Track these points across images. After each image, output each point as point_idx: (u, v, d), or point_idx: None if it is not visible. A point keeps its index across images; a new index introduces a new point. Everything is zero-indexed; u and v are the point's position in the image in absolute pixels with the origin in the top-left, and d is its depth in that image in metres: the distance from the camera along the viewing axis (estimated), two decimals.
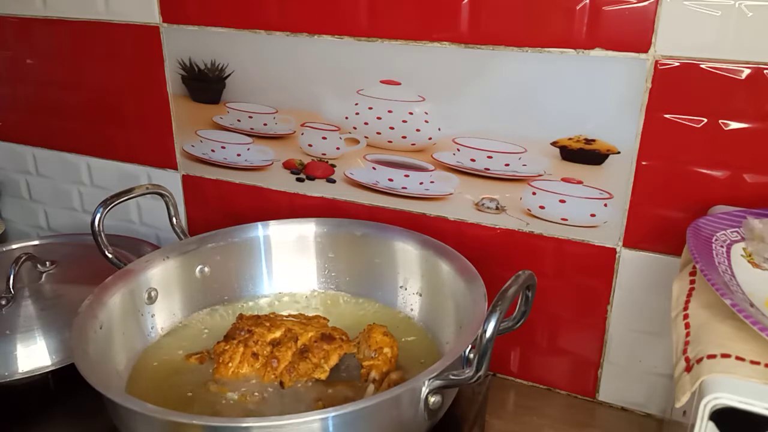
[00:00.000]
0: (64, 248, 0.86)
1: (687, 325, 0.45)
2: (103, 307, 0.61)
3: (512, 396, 0.77)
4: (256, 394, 0.59)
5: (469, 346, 0.53)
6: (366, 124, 0.76)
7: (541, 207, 0.71)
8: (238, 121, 0.84)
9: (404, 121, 0.74)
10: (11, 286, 0.72)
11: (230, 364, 0.61)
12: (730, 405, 0.37)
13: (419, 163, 0.75)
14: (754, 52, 0.57)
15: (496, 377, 0.80)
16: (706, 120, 0.61)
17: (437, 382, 0.50)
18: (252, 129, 0.84)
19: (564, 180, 0.68)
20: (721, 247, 0.52)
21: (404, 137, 0.75)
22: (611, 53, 0.62)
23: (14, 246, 0.87)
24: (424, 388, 0.49)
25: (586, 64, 0.63)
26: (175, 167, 0.92)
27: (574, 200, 0.69)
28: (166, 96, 0.88)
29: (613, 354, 0.73)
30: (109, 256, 0.67)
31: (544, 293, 0.73)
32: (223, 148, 0.87)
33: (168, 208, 0.73)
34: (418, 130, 0.74)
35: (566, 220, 0.70)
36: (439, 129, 0.73)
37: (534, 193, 0.70)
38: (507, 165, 0.71)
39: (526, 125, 0.68)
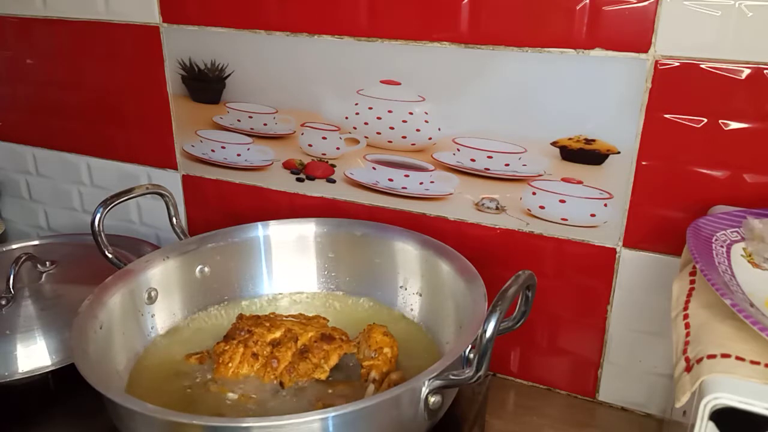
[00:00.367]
0: (64, 248, 0.86)
1: (687, 325, 0.45)
2: (103, 307, 0.61)
3: (512, 396, 0.77)
4: (256, 394, 0.59)
5: (469, 346, 0.53)
6: (366, 124, 0.76)
7: (541, 207, 0.71)
8: (238, 121, 0.84)
9: (404, 121, 0.74)
10: (11, 286, 0.72)
11: (230, 364, 0.61)
12: (730, 405, 0.37)
13: (419, 163, 0.75)
14: (754, 52, 0.57)
15: (496, 377, 0.80)
16: (706, 120, 0.61)
17: (437, 382, 0.50)
18: (252, 129, 0.84)
19: (564, 180, 0.68)
20: (721, 247, 0.52)
21: (404, 137, 0.75)
22: (611, 53, 0.62)
23: (14, 246, 0.87)
24: (424, 388, 0.49)
25: (586, 64, 0.63)
26: (175, 167, 0.92)
27: (574, 200, 0.69)
28: (166, 96, 0.88)
29: (613, 354, 0.73)
30: (109, 256, 0.67)
31: (544, 293, 0.73)
32: (223, 148, 0.87)
33: (168, 208, 0.73)
34: (418, 130, 0.74)
35: (566, 220, 0.70)
36: (439, 129, 0.73)
37: (534, 193, 0.70)
38: (507, 165, 0.71)
39: (526, 125, 0.68)
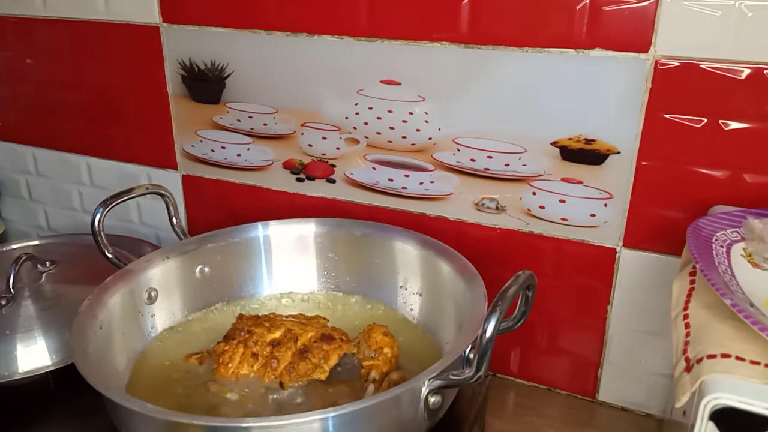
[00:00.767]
0: (64, 248, 0.86)
1: (687, 325, 0.45)
2: (103, 307, 0.61)
3: (512, 396, 0.77)
4: (256, 394, 0.59)
5: (469, 346, 0.53)
6: (366, 124, 0.76)
7: (541, 207, 0.71)
8: (238, 121, 0.84)
9: (404, 121, 0.74)
10: (11, 286, 0.72)
11: (230, 365, 0.61)
12: (730, 405, 0.37)
13: (419, 163, 0.75)
14: (754, 52, 0.57)
15: (496, 377, 0.80)
16: (706, 120, 0.61)
17: (437, 382, 0.50)
18: (252, 129, 0.84)
19: (564, 180, 0.68)
20: (721, 247, 0.52)
21: (404, 137, 0.75)
22: (611, 53, 0.62)
23: (14, 246, 0.87)
24: (424, 388, 0.49)
25: (586, 64, 0.63)
26: (175, 167, 0.92)
27: (574, 200, 0.69)
28: (166, 96, 0.88)
29: (613, 354, 0.73)
30: (109, 256, 0.67)
31: (544, 293, 0.73)
32: (223, 148, 0.87)
33: (168, 208, 0.73)
34: (418, 130, 0.74)
35: (566, 220, 0.70)
36: (439, 129, 0.73)
37: (534, 193, 0.70)
38: (507, 165, 0.71)
39: (526, 125, 0.68)
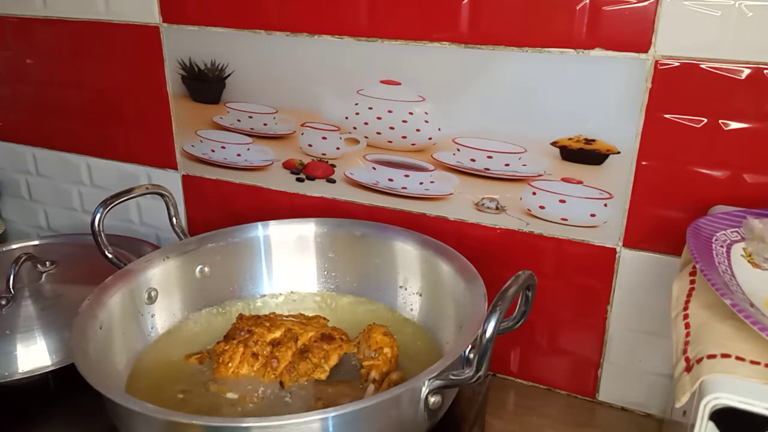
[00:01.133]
0: (64, 248, 0.86)
1: (687, 325, 0.45)
2: (103, 307, 0.61)
3: (512, 396, 0.77)
4: (256, 394, 0.59)
5: (469, 346, 0.53)
6: (366, 124, 0.76)
7: (541, 207, 0.71)
8: (238, 121, 0.84)
9: (404, 121, 0.74)
10: (11, 286, 0.72)
11: (230, 364, 0.61)
12: (730, 405, 0.37)
13: (419, 163, 0.75)
14: (754, 52, 0.57)
15: (496, 377, 0.80)
16: (706, 120, 0.61)
17: (437, 382, 0.50)
18: (252, 129, 0.84)
19: (564, 180, 0.68)
20: (721, 247, 0.52)
21: (404, 137, 0.75)
22: (611, 53, 0.62)
23: (14, 246, 0.87)
24: (424, 388, 0.49)
25: (586, 64, 0.63)
26: (175, 167, 0.92)
27: (574, 200, 0.69)
28: (166, 96, 0.88)
29: (613, 354, 0.73)
30: (109, 256, 0.67)
31: (544, 293, 0.73)
32: (223, 148, 0.87)
33: (168, 208, 0.73)
34: (418, 130, 0.74)
35: (566, 220, 0.70)
36: (439, 129, 0.73)
37: (534, 193, 0.70)
38: (507, 165, 0.71)
39: (526, 125, 0.68)
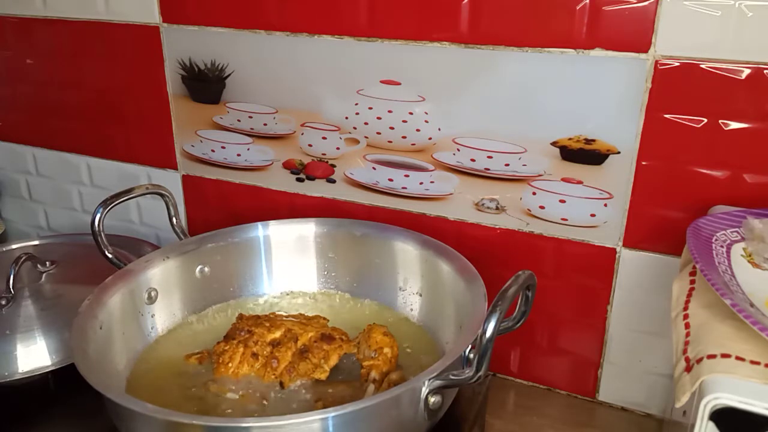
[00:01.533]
0: (64, 248, 0.86)
1: (687, 325, 0.45)
2: (103, 307, 0.61)
3: (512, 396, 0.77)
4: (256, 394, 0.59)
5: (469, 346, 0.53)
6: (366, 124, 0.76)
7: (541, 207, 0.71)
8: (238, 121, 0.84)
9: (404, 121, 0.74)
10: (11, 286, 0.72)
11: (230, 364, 0.61)
12: (730, 405, 0.37)
13: (419, 163, 0.75)
14: (754, 52, 0.57)
15: (496, 377, 0.80)
16: (706, 120, 0.61)
17: (437, 382, 0.50)
18: (252, 129, 0.84)
19: (564, 180, 0.68)
20: (721, 247, 0.52)
21: (404, 137, 0.75)
22: (611, 53, 0.62)
23: (14, 246, 0.87)
24: (424, 388, 0.49)
25: (586, 64, 0.63)
26: (175, 167, 0.92)
27: (574, 200, 0.69)
28: (166, 96, 0.88)
29: (613, 354, 0.73)
30: (109, 256, 0.67)
31: (544, 293, 0.73)
32: (223, 148, 0.87)
33: (168, 208, 0.73)
34: (418, 130, 0.74)
35: (566, 220, 0.70)
36: (439, 129, 0.73)
37: (534, 193, 0.70)
38: (507, 165, 0.71)
39: (526, 125, 0.68)
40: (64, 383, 0.67)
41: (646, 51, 0.61)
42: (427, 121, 0.73)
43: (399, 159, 0.76)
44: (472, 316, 0.56)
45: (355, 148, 0.78)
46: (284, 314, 0.69)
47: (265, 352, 0.62)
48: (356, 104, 0.76)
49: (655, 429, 0.72)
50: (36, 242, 0.88)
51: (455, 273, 0.65)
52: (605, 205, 0.68)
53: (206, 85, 0.84)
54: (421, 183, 0.76)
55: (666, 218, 0.65)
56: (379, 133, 0.76)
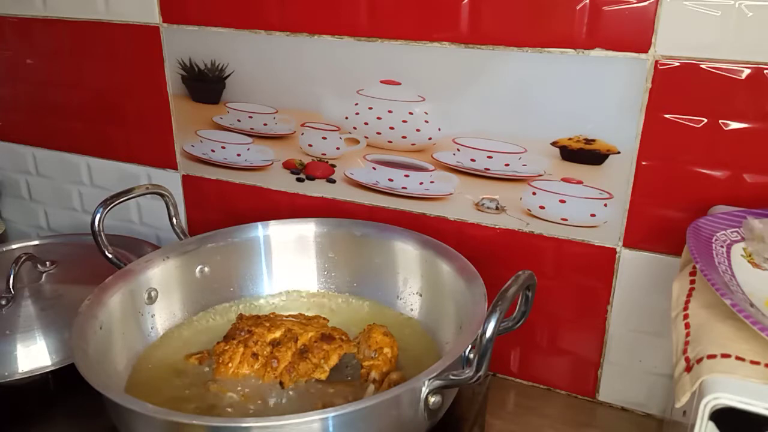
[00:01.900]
0: (64, 248, 0.86)
1: (687, 325, 0.45)
2: (103, 307, 0.61)
3: (512, 396, 0.77)
4: (256, 394, 0.59)
5: (469, 346, 0.53)
6: (366, 124, 0.76)
7: (541, 207, 0.71)
8: (238, 121, 0.84)
9: (404, 121, 0.74)
10: (11, 286, 0.72)
11: (230, 364, 0.61)
12: (730, 405, 0.37)
13: (419, 163, 0.75)
14: (754, 52, 0.57)
15: (496, 377, 0.80)
16: (706, 120, 0.61)
17: (437, 382, 0.50)
18: (252, 129, 0.84)
19: (564, 180, 0.68)
20: (721, 247, 0.52)
21: (404, 137, 0.75)
22: (611, 53, 0.62)
23: (14, 246, 0.87)
24: (424, 388, 0.49)
25: (586, 64, 0.63)
26: (175, 167, 0.92)
27: (574, 200, 0.69)
28: (166, 96, 0.88)
29: (613, 354, 0.73)
30: (109, 256, 0.67)
31: (544, 293, 0.73)
32: (223, 148, 0.87)
33: (168, 208, 0.73)
34: (418, 130, 0.74)
35: (566, 220, 0.70)
36: (439, 129, 0.73)
37: (534, 193, 0.70)
38: (507, 165, 0.71)
39: (526, 125, 0.68)
40: (64, 383, 0.67)
41: (646, 51, 0.61)
42: (427, 121, 0.73)
43: (399, 159, 0.76)
44: (472, 316, 0.56)
45: (355, 148, 0.78)
46: (284, 314, 0.69)
47: (265, 352, 0.62)
48: (356, 104, 0.76)
49: (655, 429, 0.72)
50: (36, 242, 0.88)
51: (455, 273, 0.65)
52: (605, 205, 0.68)
53: (206, 85, 0.84)
54: (421, 183, 0.76)
55: (666, 218, 0.65)
56: (379, 133, 0.76)
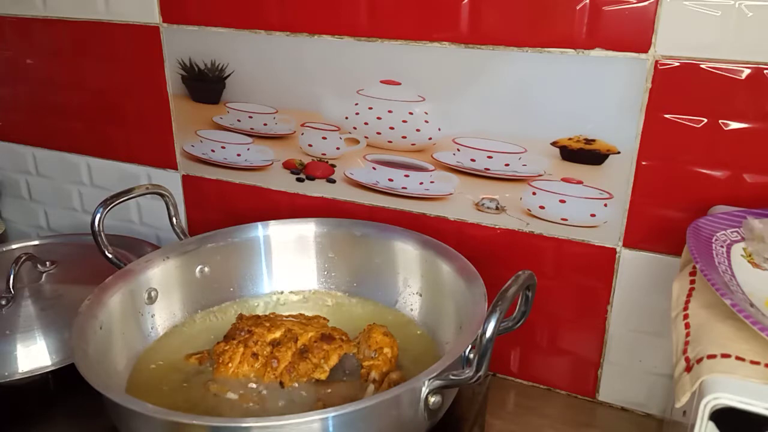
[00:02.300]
0: (64, 248, 0.86)
1: (687, 325, 0.45)
2: (103, 307, 0.61)
3: (512, 396, 0.77)
4: (256, 394, 0.59)
5: (469, 346, 0.53)
6: (366, 124, 0.76)
7: (541, 207, 0.71)
8: (238, 121, 0.84)
9: (404, 121, 0.74)
10: (11, 286, 0.72)
11: (230, 364, 0.61)
12: (730, 405, 0.37)
13: (419, 163, 0.75)
14: (754, 52, 0.57)
15: (496, 377, 0.80)
16: (706, 120, 0.61)
17: (437, 382, 0.50)
18: (252, 129, 0.84)
19: (564, 180, 0.68)
20: (721, 247, 0.52)
21: (404, 137, 0.75)
22: (611, 53, 0.62)
23: (14, 246, 0.87)
24: (424, 388, 0.49)
25: (586, 64, 0.63)
26: (175, 167, 0.92)
27: (574, 200, 0.69)
28: (166, 96, 0.88)
29: (613, 354, 0.73)
30: (109, 256, 0.67)
31: (544, 293, 0.73)
32: (223, 148, 0.87)
33: (168, 208, 0.73)
34: (418, 130, 0.74)
35: (566, 220, 0.70)
36: (439, 129, 0.73)
37: (534, 193, 0.70)
38: (507, 165, 0.71)
39: (526, 125, 0.68)
40: (64, 383, 0.67)
41: (646, 51, 0.61)
42: (427, 121, 0.73)
43: (399, 159, 0.76)
44: (472, 316, 0.56)
45: (355, 148, 0.78)
46: (284, 314, 0.69)
47: (265, 352, 0.62)
48: (356, 104, 0.76)
49: (655, 429, 0.72)
50: (36, 242, 0.88)
51: (455, 273, 0.65)
52: (605, 205, 0.68)
53: (206, 85, 0.84)
54: (421, 183, 0.76)
55: (666, 218, 0.65)
56: (379, 133, 0.76)
